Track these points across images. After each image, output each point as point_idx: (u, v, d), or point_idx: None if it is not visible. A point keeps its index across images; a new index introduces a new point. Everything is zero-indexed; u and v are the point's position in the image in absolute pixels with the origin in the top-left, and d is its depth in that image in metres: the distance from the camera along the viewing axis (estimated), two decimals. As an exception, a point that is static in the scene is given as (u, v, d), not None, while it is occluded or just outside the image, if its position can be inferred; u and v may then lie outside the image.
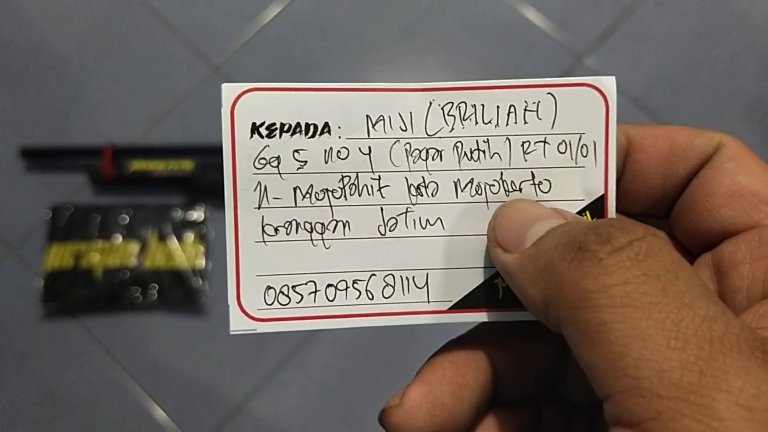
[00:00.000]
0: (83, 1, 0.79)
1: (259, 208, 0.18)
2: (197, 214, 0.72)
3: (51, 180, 0.73)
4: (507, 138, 0.18)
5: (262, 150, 0.18)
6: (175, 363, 0.69)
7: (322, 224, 0.18)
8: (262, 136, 0.18)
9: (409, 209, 0.18)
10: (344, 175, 0.18)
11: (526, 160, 0.18)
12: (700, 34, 0.78)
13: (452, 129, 0.18)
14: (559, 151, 0.18)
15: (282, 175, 0.18)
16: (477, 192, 0.18)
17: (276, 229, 0.18)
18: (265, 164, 0.18)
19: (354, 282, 0.18)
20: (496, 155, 0.18)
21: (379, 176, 0.18)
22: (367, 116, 0.18)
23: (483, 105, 0.18)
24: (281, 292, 0.18)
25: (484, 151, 0.18)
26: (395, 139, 0.18)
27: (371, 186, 0.18)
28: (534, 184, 0.18)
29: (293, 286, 0.18)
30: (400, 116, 0.18)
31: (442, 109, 0.18)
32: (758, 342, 0.13)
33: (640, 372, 0.12)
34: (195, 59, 0.77)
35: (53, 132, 0.74)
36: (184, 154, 0.72)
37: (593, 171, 0.18)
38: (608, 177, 0.18)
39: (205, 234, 0.71)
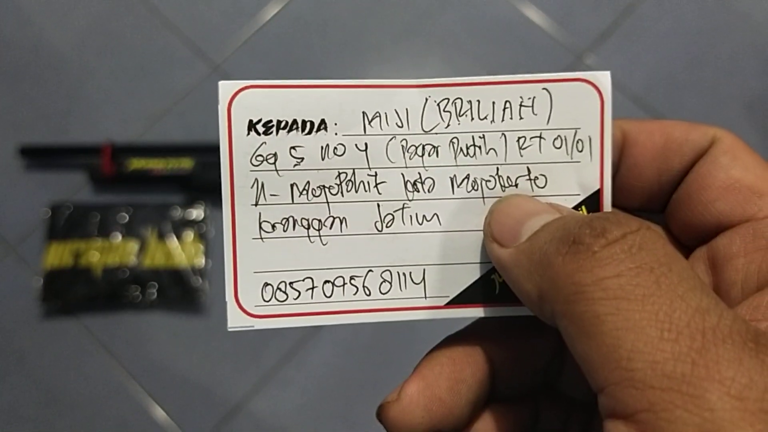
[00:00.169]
0: (83, 0, 0.79)
1: (256, 204, 0.18)
2: (197, 213, 0.72)
3: (50, 178, 0.73)
4: (503, 134, 0.18)
5: (259, 147, 0.18)
6: (174, 362, 0.69)
7: (319, 221, 0.18)
8: (258, 133, 0.18)
9: (405, 205, 0.19)
10: (341, 171, 0.18)
11: (521, 156, 0.18)
12: (700, 32, 0.78)
13: (448, 125, 0.18)
14: (554, 146, 0.18)
15: (279, 172, 0.18)
16: (473, 188, 0.19)
17: (273, 226, 0.18)
18: (262, 161, 0.18)
19: (351, 278, 0.18)
20: (492, 151, 0.18)
21: (376, 172, 0.18)
22: (364, 113, 0.18)
23: (479, 101, 0.18)
24: (279, 288, 0.18)
25: (480, 147, 0.18)
26: (391, 136, 0.18)
27: (368, 182, 0.18)
28: (530, 179, 0.19)
29: (290, 283, 0.18)
30: (396, 113, 0.18)
31: (438, 105, 0.18)
32: (751, 333, 0.13)
33: (633, 364, 0.13)
34: (194, 58, 0.77)
35: (53, 130, 0.74)
36: (184, 153, 0.72)
37: (589, 166, 0.18)
38: (604, 172, 0.18)
39: (204, 233, 0.71)
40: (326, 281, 0.18)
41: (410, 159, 0.18)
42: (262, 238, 0.18)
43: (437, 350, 0.19)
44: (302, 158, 0.18)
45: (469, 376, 0.18)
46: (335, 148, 0.18)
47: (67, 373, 0.68)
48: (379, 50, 0.78)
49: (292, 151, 0.18)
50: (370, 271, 0.18)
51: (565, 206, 0.18)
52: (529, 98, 0.18)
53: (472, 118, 0.18)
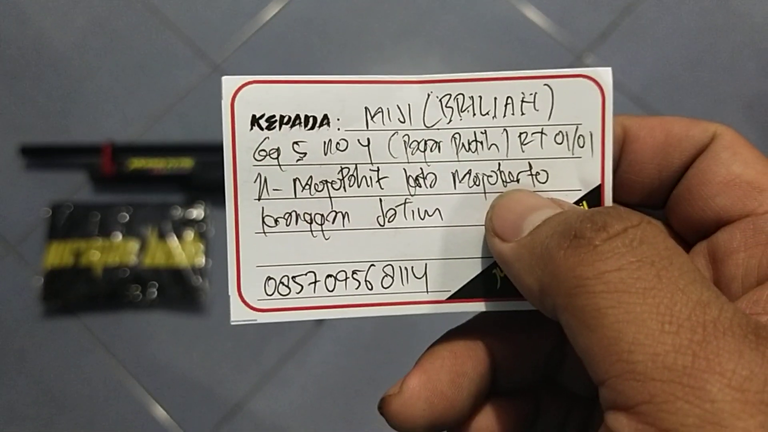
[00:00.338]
0: (82, 0, 0.79)
1: (259, 199, 0.18)
2: (197, 212, 0.72)
3: (51, 178, 0.73)
4: (504, 129, 0.19)
5: (262, 142, 0.18)
6: (174, 361, 0.69)
7: (322, 215, 0.18)
8: (261, 128, 0.18)
9: (407, 200, 0.19)
10: (343, 166, 0.18)
11: (523, 151, 0.19)
12: (699, 32, 0.78)
13: (450, 120, 0.18)
14: (556, 141, 0.19)
15: (282, 167, 0.18)
16: (475, 183, 0.19)
17: (276, 220, 0.18)
18: (265, 156, 0.18)
19: (353, 272, 0.19)
20: (493, 146, 0.19)
21: (378, 167, 0.19)
22: (366, 108, 0.18)
23: (480, 97, 0.18)
24: (281, 282, 0.18)
25: (481, 143, 0.19)
26: (394, 131, 0.18)
27: (370, 177, 0.19)
28: (531, 174, 0.19)
29: (293, 277, 0.18)
30: (399, 108, 0.18)
31: (440, 100, 0.18)
32: (751, 326, 0.13)
33: (634, 356, 0.13)
34: (195, 57, 0.77)
35: (53, 130, 0.75)
36: (184, 152, 0.72)
37: (590, 161, 0.19)
38: (605, 167, 0.19)
39: (204, 232, 0.72)
40: (328, 275, 0.18)
41: (412, 154, 0.19)
42: (264, 233, 0.18)
43: (439, 344, 0.19)
44: (305, 153, 0.18)
45: (470, 370, 0.18)
46: (338, 143, 0.18)
47: (67, 373, 0.68)
48: (379, 50, 0.78)
49: (295, 146, 0.18)
50: (372, 265, 0.19)
51: (567, 201, 0.18)
52: (531, 94, 0.18)
53: (474, 114, 0.18)
